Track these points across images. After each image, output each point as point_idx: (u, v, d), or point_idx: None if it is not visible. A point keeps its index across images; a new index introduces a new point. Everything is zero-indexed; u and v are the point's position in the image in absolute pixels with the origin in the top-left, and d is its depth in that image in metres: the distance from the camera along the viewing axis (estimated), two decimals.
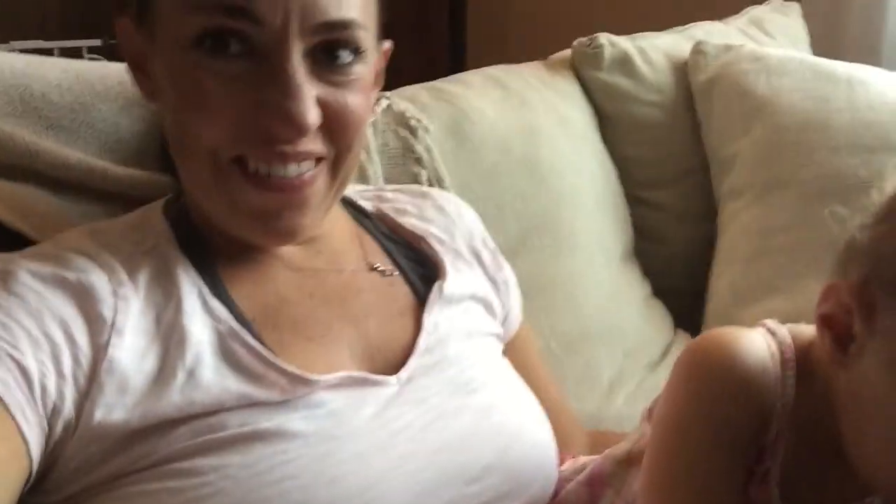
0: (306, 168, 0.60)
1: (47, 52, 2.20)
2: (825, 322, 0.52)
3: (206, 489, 0.52)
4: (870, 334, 0.49)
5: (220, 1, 0.55)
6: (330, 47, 0.59)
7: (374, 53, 0.64)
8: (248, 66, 0.57)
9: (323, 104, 0.58)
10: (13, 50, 2.31)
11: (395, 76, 1.12)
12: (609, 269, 1.08)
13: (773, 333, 0.56)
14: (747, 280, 1.07)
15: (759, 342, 0.54)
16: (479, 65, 1.20)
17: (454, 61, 2.40)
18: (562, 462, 0.73)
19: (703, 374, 0.53)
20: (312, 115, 0.57)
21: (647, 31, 1.30)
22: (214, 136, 0.58)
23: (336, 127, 0.60)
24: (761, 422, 0.51)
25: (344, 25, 0.58)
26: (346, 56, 0.60)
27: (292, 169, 0.59)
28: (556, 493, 0.70)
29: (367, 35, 0.61)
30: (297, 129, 0.57)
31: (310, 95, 0.57)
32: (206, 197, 0.62)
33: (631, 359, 1.03)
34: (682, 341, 1.12)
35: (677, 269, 1.22)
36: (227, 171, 0.59)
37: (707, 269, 1.17)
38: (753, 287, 1.06)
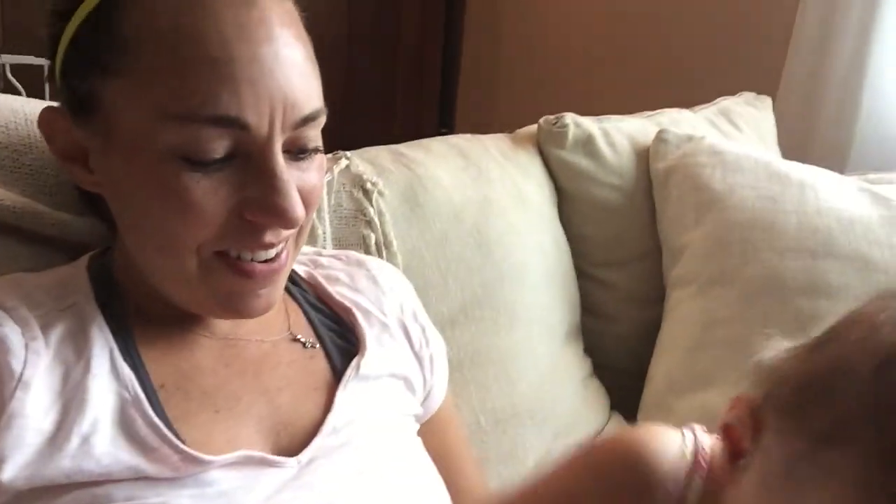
0: (282, 248, 0.63)
1: (38, 68, 2.22)
2: (725, 432, 0.53)
3: None
4: (754, 451, 0.50)
5: (207, 113, 0.56)
6: (300, 137, 0.61)
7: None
8: (233, 166, 0.58)
9: (299, 191, 0.60)
10: (3, 63, 2.33)
11: (386, 135, 1.15)
12: (549, 346, 1.09)
13: (695, 438, 0.57)
14: (684, 370, 1.08)
15: (674, 444, 0.56)
16: (467, 127, 1.22)
17: (443, 123, 2.46)
18: None
19: (608, 456, 0.56)
20: (300, 209, 0.59)
21: (643, 110, 1.34)
22: (200, 237, 0.59)
23: (308, 205, 0.63)
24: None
25: (315, 116, 0.61)
26: (314, 140, 0.62)
27: (271, 252, 0.62)
28: None
29: (323, 116, 0.63)
30: (288, 224, 0.59)
31: (294, 190, 0.59)
32: (182, 287, 0.62)
33: (560, 440, 1.03)
34: (616, 423, 1.12)
35: (622, 348, 1.23)
36: (210, 262, 0.60)
37: (651, 351, 1.18)
38: (690, 377, 1.07)
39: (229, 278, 0.61)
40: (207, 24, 0.56)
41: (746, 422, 0.51)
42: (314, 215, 0.96)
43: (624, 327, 1.24)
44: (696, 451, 0.57)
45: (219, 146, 0.57)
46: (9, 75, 2.24)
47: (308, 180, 0.62)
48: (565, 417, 1.06)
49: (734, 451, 0.52)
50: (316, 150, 0.63)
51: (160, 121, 0.56)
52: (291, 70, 0.59)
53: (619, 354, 1.23)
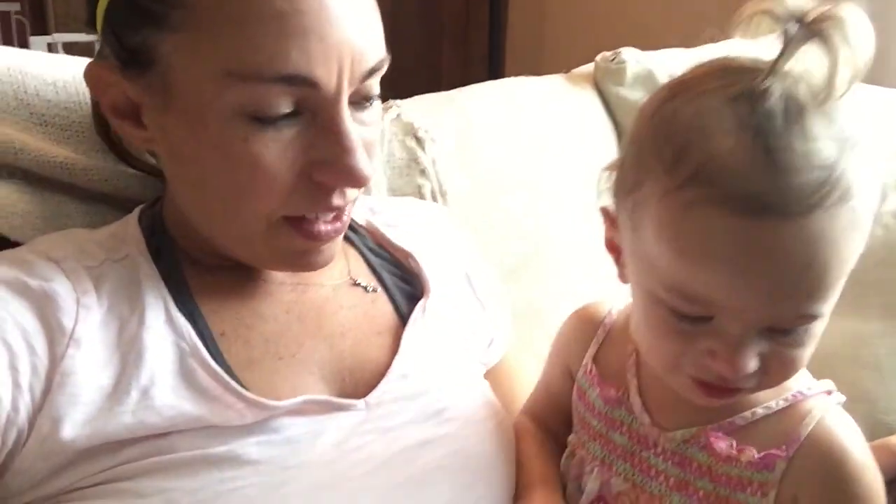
0: (346, 212, 0.61)
1: (89, 46, 2.25)
2: (608, 248, 0.59)
3: None
4: (619, 241, 0.57)
5: (277, 72, 0.53)
6: (365, 88, 0.58)
7: None
8: (299, 125, 0.56)
9: (367, 145, 0.59)
10: (55, 42, 2.36)
11: (434, 82, 1.12)
12: (620, 289, 1.05)
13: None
14: None
15: (601, 303, 0.67)
16: (517, 72, 1.18)
17: (493, 68, 2.39)
18: None
19: (566, 319, 0.69)
20: (369, 169, 0.57)
21: (689, 45, 1.27)
22: (272, 201, 0.57)
23: (375, 160, 0.61)
24: (584, 344, 0.65)
25: (380, 66, 0.58)
26: (375, 89, 0.60)
27: (337, 216, 0.61)
28: None
29: (386, 64, 0.60)
30: (359, 183, 0.58)
31: (362, 149, 0.57)
32: (246, 247, 0.61)
33: None
34: None
35: None
36: (277, 225, 0.59)
37: None
38: None
39: (295, 240, 0.60)
40: None
41: (608, 225, 0.58)
42: None
43: None
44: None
45: (285, 101, 0.54)
46: (61, 53, 2.28)
47: (370, 134, 0.60)
48: None
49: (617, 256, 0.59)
50: (376, 100, 0.61)
51: (224, 79, 0.53)
52: (359, 18, 0.56)
53: None
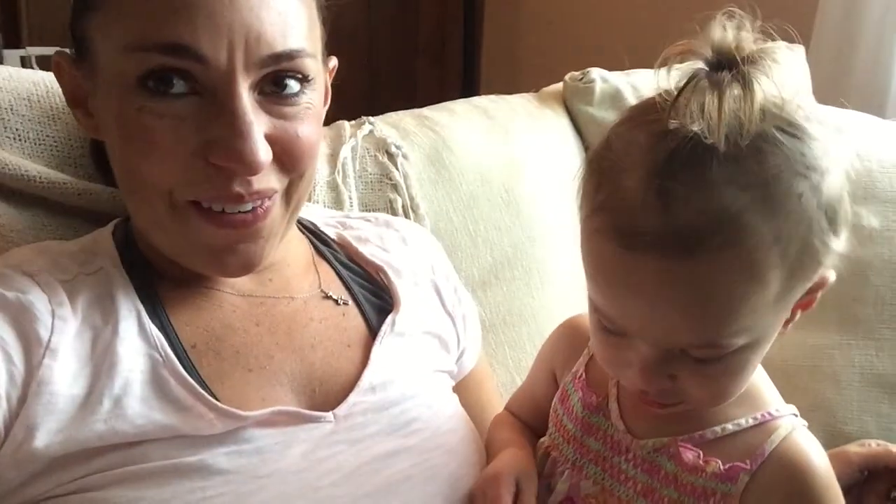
0: (260, 202, 0.60)
1: None
2: None
3: None
4: None
5: (161, 41, 0.55)
6: (277, 78, 0.58)
7: (321, 77, 0.64)
8: (194, 105, 0.56)
9: (274, 138, 0.58)
10: (28, 55, 2.35)
11: (409, 99, 1.14)
12: (582, 305, 1.07)
13: None
14: None
15: None
16: (492, 90, 1.20)
17: (468, 86, 2.42)
18: None
19: (556, 328, 0.72)
20: (263, 153, 0.57)
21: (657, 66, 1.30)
22: (166, 180, 0.58)
23: (288, 159, 0.60)
24: (570, 352, 0.68)
25: (290, 56, 0.58)
26: (294, 86, 0.59)
27: (247, 205, 0.60)
28: None
29: (314, 62, 0.61)
30: (249, 168, 0.57)
31: (259, 133, 0.57)
32: (159, 233, 0.61)
33: None
34: None
35: None
36: (183, 210, 0.59)
37: None
38: None
39: (204, 228, 0.59)
40: None
41: None
42: (340, 181, 0.96)
43: None
44: None
45: (177, 80, 0.56)
46: (34, 66, 2.26)
47: (290, 129, 0.59)
48: None
49: None
50: (302, 96, 0.60)
51: (124, 52, 0.56)
52: (260, 3, 0.56)
53: None
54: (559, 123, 1.17)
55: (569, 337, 0.69)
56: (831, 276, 0.54)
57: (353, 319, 0.70)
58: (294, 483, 0.57)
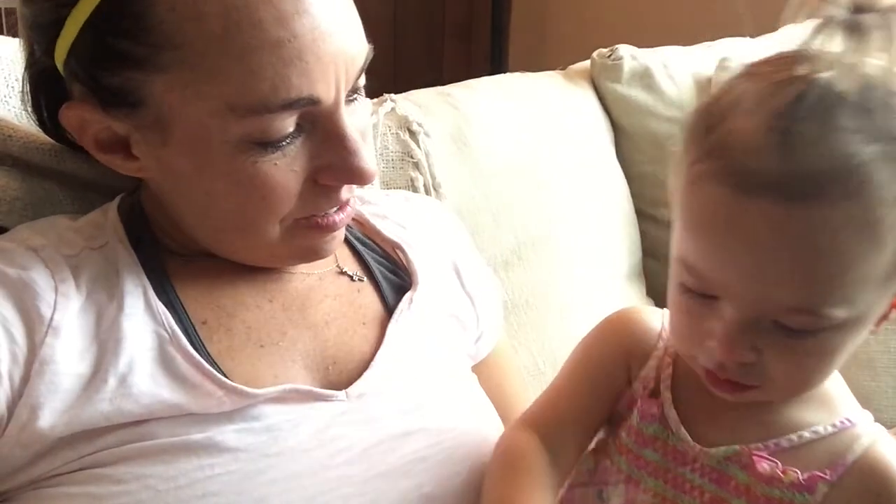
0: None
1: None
2: None
3: (125, 498, 0.51)
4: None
5: (285, 100, 0.53)
6: (355, 86, 0.59)
7: None
8: (302, 138, 0.57)
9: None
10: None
11: (436, 79, 1.12)
12: (609, 287, 1.05)
13: None
14: None
15: (653, 310, 0.62)
16: (520, 70, 1.18)
17: (495, 66, 2.38)
18: None
19: (597, 327, 0.63)
20: (373, 164, 0.59)
21: (690, 43, 1.27)
22: (282, 215, 0.58)
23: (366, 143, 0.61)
24: (630, 360, 0.60)
25: (367, 61, 0.59)
26: (362, 84, 0.61)
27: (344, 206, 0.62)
28: None
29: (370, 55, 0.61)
30: (366, 181, 0.59)
31: (364, 148, 0.58)
32: (254, 253, 0.62)
33: None
34: None
35: None
36: (292, 228, 0.60)
37: None
38: None
39: (314, 236, 0.61)
40: (260, 1, 0.52)
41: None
42: None
43: None
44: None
45: (290, 123, 0.55)
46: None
47: (359, 124, 0.60)
48: None
49: None
50: (362, 90, 0.61)
51: (228, 113, 0.53)
52: (346, 25, 0.56)
53: None
54: (586, 101, 1.15)
55: (624, 334, 0.61)
56: None
57: (368, 297, 0.69)
58: (304, 462, 0.56)
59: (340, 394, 0.60)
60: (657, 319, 0.61)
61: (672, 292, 0.54)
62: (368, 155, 0.58)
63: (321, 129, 0.57)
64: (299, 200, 0.58)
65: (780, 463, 0.53)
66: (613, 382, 0.60)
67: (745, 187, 0.46)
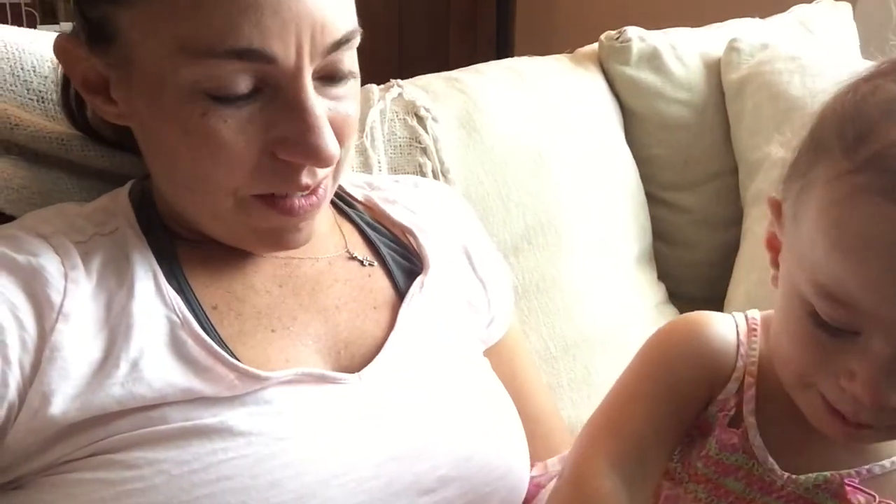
0: (321, 187, 0.60)
1: None
2: (767, 245, 0.53)
3: (139, 483, 0.51)
4: (780, 235, 0.51)
5: (228, 47, 0.52)
6: (333, 63, 0.57)
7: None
8: (260, 103, 0.55)
9: (331, 122, 0.57)
10: (63, 32, 2.35)
11: (441, 67, 1.11)
12: (619, 272, 1.04)
13: (745, 315, 0.57)
14: (764, 289, 1.01)
15: (724, 319, 0.56)
16: (525, 55, 1.17)
17: (501, 52, 2.37)
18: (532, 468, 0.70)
19: (664, 338, 0.56)
20: (333, 146, 0.56)
21: (699, 24, 1.25)
22: (233, 180, 0.56)
23: (342, 139, 0.59)
24: (711, 379, 0.54)
25: (348, 38, 0.56)
26: (347, 65, 0.58)
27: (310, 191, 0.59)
28: (529, 499, 0.68)
29: (358, 36, 0.59)
30: (323, 163, 0.56)
31: (328, 126, 0.56)
32: (216, 223, 0.60)
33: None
34: None
35: (697, 275, 1.17)
36: (248, 203, 0.58)
37: (728, 277, 1.12)
38: (770, 297, 1.00)
39: (269, 216, 0.59)
40: None
41: (773, 216, 0.52)
42: (368, 145, 0.94)
43: (699, 253, 1.17)
44: (746, 319, 0.56)
45: (243, 80, 0.53)
46: None
47: (342, 110, 0.58)
48: (638, 343, 1.00)
49: (775, 259, 0.52)
50: (350, 75, 0.59)
51: (179, 56, 0.52)
52: None
53: (695, 281, 1.17)
54: (595, 84, 1.13)
55: (703, 349, 0.54)
56: None
57: (379, 281, 0.68)
58: (317, 445, 0.55)
59: (352, 377, 0.60)
60: (731, 330, 0.55)
61: (796, 324, 0.48)
62: (329, 135, 0.55)
63: (282, 97, 0.55)
64: (256, 173, 0.56)
65: (876, 496, 0.50)
66: (693, 404, 0.54)
67: None
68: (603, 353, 0.98)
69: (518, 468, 0.65)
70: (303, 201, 0.58)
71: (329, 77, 0.57)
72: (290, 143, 0.55)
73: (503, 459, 0.63)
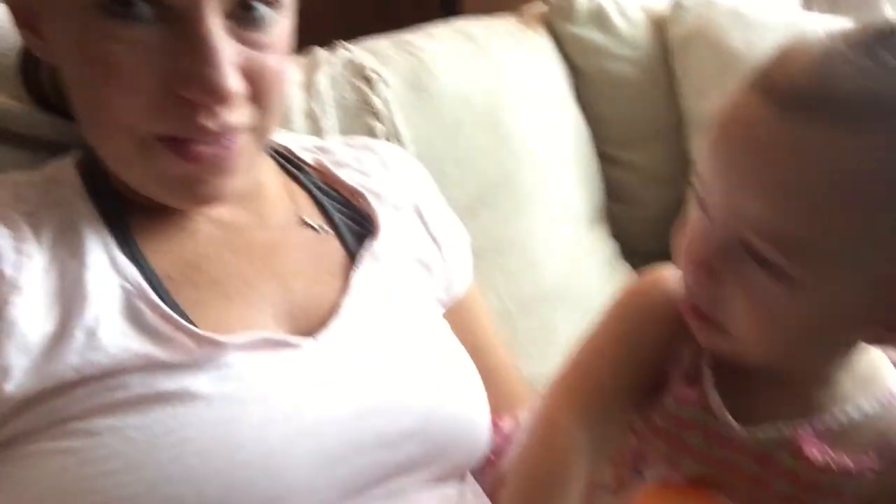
0: (231, 138, 0.58)
1: None
2: None
3: (102, 450, 0.51)
4: None
5: None
6: (247, 3, 0.55)
7: (291, 7, 0.61)
8: (161, 32, 0.53)
9: (245, 70, 0.56)
10: None
11: (386, 24, 1.10)
12: (573, 229, 1.06)
13: None
14: None
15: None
16: (473, 12, 1.16)
17: (447, 10, 2.34)
18: (501, 421, 0.72)
19: (628, 295, 0.57)
20: (232, 82, 0.54)
21: None
22: (132, 113, 0.55)
23: (260, 93, 0.57)
24: (671, 336, 0.54)
25: None
26: (265, 10, 0.56)
27: (217, 139, 0.57)
28: (499, 452, 0.69)
29: None
30: (218, 98, 0.54)
31: (228, 60, 0.54)
32: (123, 167, 0.59)
33: (591, 319, 1.01)
34: None
35: (649, 231, 1.19)
36: (150, 145, 0.56)
37: None
38: None
39: (174, 163, 0.57)
40: None
41: None
42: (317, 109, 0.93)
43: (650, 209, 1.20)
44: None
45: (142, 2, 0.52)
46: None
47: (259, 58, 0.56)
48: (594, 298, 1.03)
49: None
50: (275, 24, 0.57)
51: None
52: None
53: (647, 238, 1.19)
54: (542, 44, 1.14)
55: (668, 305, 0.54)
56: None
57: (332, 246, 0.68)
58: (279, 406, 0.56)
59: (309, 341, 0.60)
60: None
61: (693, 210, 0.51)
62: (229, 72, 0.53)
63: (183, 28, 0.53)
64: (156, 109, 0.54)
65: (831, 452, 0.51)
66: (655, 360, 0.55)
67: (758, 86, 0.46)
68: (560, 308, 1.00)
69: (478, 420, 0.66)
70: (206, 149, 0.57)
71: (243, 18, 0.56)
72: (186, 75, 0.54)
73: (463, 413, 0.64)
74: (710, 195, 0.48)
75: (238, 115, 0.57)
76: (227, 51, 0.54)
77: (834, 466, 0.51)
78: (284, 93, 0.61)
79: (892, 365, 0.55)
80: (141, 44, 0.53)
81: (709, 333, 0.51)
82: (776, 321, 0.48)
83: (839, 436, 0.52)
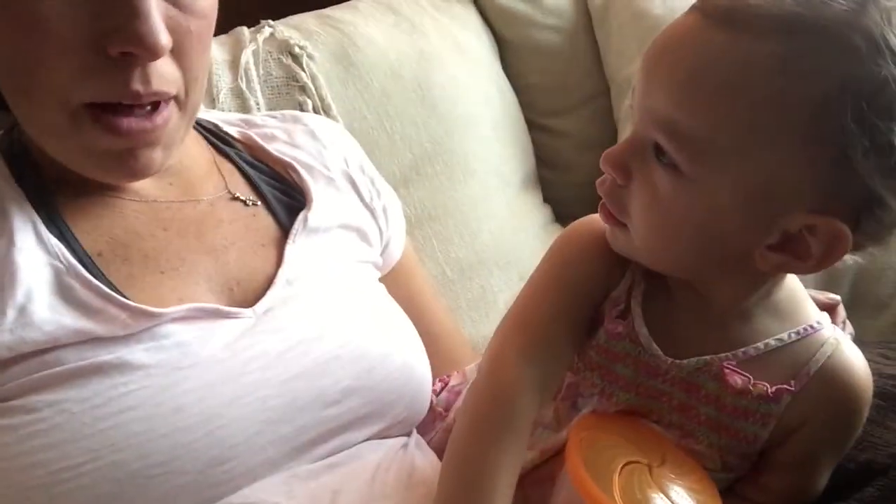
0: (157, 108, 0.58)
1: None
2: None
3: (41, 425, 0.51)
4: None
5: None
6: None
7: None
8: None
9: (170, 28, 0.55)
10: None
11: (312, 4, 1.09)
12: (506, 196, 1.07)
13: None
14: None
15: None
16: None
17: None
18: (449, 378, 0.73)
19: (565, 241, 0.60)
20: (163, 36, 0.54)
21: None
22: (63, 75, 0.54)
23: (182, 52, 0.57)
24: (607, 277, 0.58)
25: None
26: None
27: (145, 107, 0.57)
28: (448, 406, 0.70)
29: None
30: (150, 51, 0.54)
31: (157, 16, 0.54)
32: (52, 140, 0.58)
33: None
34: None
35: (581, 195, 1.20)
36: (79, 116, 0.56)
37: None
38: None
39: (103, 137, 0.56)
40: None
41: None
42: (244, 87, 0.93)
43: (580, 175, 1.22)
44: None
45: None
46: None
47: (183, 17, 0.57)
48: (529, 261, 1.05)
49: None
50: None
51: None
52: None
53: (578, 202, 1.21)
54: (467, 14, 1.15)
55: (607, 249, 0.57)
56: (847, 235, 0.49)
57: (263, 220, 0.68)
58: (218, 371, 0.56)
59: (247, 311, 0.60)
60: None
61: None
62: (158, 25, 0.53)
63: None
64: (85, 72, 0.54)
65: (751, 378, 0.54)
66: (593, 300, 0.58)
67: (703, 9, 0.49)
68: (497, 273, 1.02)
69: (419, 372, 0.67)
70: (135, 123, 0.56)
71: None
72: (114, 29, 0.53)
73: (404, 365, 0.65)
74: (635, 101, 0.52)
75: (164, 80, 0.56)
76: (155, 4, 0.54)
77: (752, 391, 0.55)
78: (208, 63, 0.60)
79: (810, 299, 0.59)
80: (67, 2, 0.52)
81: (616, 235, 0.55)
82: (667, 217, 0.51)
83: (758, 363, 0.55)
